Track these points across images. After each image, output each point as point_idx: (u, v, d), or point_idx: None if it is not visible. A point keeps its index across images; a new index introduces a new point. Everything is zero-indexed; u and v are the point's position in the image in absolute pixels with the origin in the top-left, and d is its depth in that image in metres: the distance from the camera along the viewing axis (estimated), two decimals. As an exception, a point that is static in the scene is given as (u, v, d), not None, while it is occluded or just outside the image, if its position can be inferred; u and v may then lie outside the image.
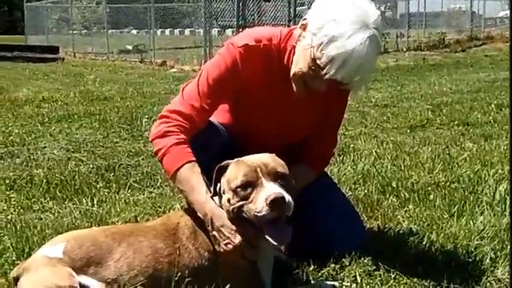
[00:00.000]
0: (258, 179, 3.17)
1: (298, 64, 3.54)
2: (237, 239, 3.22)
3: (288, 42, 3.70)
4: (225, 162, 3.33)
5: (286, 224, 3.18)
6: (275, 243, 3.16)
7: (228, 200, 3.22)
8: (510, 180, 5.40)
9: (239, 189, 3.18)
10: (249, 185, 3.17)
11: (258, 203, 3.09)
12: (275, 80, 3.73)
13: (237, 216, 3.21)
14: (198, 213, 3.38)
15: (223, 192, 3.27)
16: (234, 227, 3.24)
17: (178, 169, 3.43)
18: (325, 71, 3.36)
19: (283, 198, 3.07)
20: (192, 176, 3.43)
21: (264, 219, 3.11)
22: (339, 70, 3.33)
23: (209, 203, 3.35)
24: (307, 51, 3.44)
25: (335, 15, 3.35)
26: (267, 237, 3.15)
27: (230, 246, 3.24)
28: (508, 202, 4.80)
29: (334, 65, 3.32)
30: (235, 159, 3.34)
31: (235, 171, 3.24)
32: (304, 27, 3.50)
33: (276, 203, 3.06)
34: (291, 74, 3.60)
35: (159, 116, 3.68)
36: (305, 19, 3.52)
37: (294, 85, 3.61)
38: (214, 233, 3.29)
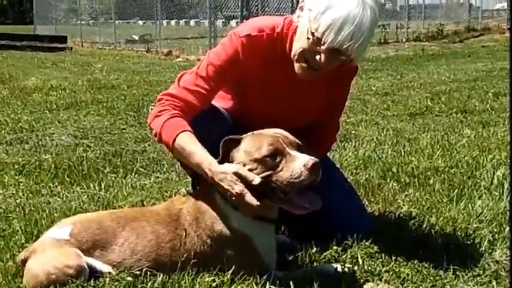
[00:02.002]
0: (284, 149, 3.19)
1: (299, 42, 3.52)
2: (238, 187, 3.18)
3: (289, 28, 3.67)
4: (235, 136, 3.33)
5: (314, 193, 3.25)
6: (309, 206, 3.22)
7: (250, 171, 3.20)
8: (510, 166, 5.40)
9: (267, 159, 3.18)
10: (278, 153, 3.18)
11: (295, 169, 3.11)
12: (278, 68, 3.70)
13: (263, 186, 3.19)
14: (203, 174, 3.33)
15: (243, 165, 3.24)
16: (234, 177, 3.20)
17: (174, 139, 3.38)
18: (323, 39, 3.34)
19: (319, 162, 3.12)
20: (187, 143, 3.38)
21: (300, 185, 3.14)
22: (337, 36, 3.30)
23: (206, 161, 3.31)
24: (306, 28, 3.42)
25: None
26: (299, 203, 3.21)
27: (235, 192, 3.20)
28: (505, 186, 4.79)
29: (332, 31, 3.30)
30: (249, 133, 3.35)
31: (257, 142, 3.25)
32: (302, 9, 3.50)
33: (315, 167, 3.10)
34: (292, 54, 3.57)
35: (156, 100, 3.64)
36: (303, 1, 3.51)
37: (296, 67, 3.58)
38: (223, 184, 3.24)
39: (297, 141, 3.31)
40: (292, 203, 3.22)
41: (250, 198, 3.17)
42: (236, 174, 3.19)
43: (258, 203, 3.17)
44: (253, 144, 3.25)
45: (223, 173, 3.22)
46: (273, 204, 3.33)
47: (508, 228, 3.97)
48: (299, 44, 3.51)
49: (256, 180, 3.16)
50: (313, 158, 3.15)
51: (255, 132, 3.35)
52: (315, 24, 3.35)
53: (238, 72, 3.69)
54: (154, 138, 3.56)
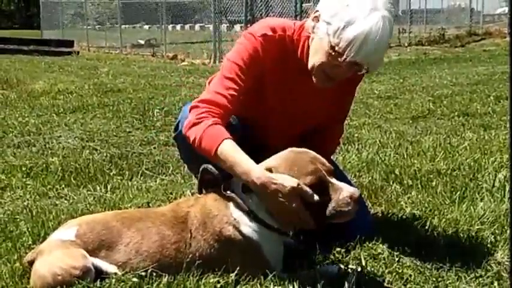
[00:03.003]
0: (326, 177, 3.21)
1: (316, 55, 3.50)
2: (296, 203, 3.17)
3: (301, 33, 3.66)
4: (266, 164, 3.27)
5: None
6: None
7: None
8: (510, 169, 5.38)
9: (311, 187, 3.15)
10: (322, 182, 3.19)
11: (343, 200, 3.15)
12: (289, 71, 3.71)
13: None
14: (249, 184, 3.26)
15: None
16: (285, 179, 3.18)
17: (217, 148, 3.32)
18: (345, 54, 3.33)
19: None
20: (229, 151, 3.32)
21: (347, 214, 3.17)
22: (359, 51, 3.30)
23: (257, 169, 3.25)
24: (324, 40, 3.40)
25: (346, 1, 3.33)
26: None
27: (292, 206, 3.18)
28: (507, 188, 4.77)
29: (354, 47, 3.30)
30: (278, 156, 3.33)
31: (297, 167, 3.21)
32: (317, 19, 3.47)
33: (359, 198, 3.18)
34: (310, 66, 3.55)
35: (189, 108, 3.58)
36: (317, 11, 3.48)
37: (314, 77, 3.57)
38: (274, 186, 3.18)
39: (332, 167, 3.31)
40: (323, 225, 3.23)
41: (307, 216, 3.19)
42: (295, 189, 3.15)
43: (314, 222, 3.21)
44: (292, 174, 3.19)
45: (279, 184, 3.17)
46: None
47: (509, 229, 3.96)
48: (317, 57, 3.49)
49: (315, 198, 3.16)
50: (355, 189, 3.20)
51: (285, 156, 3.32)
52: (336, 39, 3.34)
53: (259, 70, 3.67)
54: (194, 146, 3.45)
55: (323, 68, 3.50)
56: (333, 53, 3.39)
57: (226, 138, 3.35)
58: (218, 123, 3.43)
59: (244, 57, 3.63)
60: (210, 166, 3.46)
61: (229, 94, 3.56)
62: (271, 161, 3.31)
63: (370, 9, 3.30)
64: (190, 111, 3.55)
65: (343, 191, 3.15)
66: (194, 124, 3.45)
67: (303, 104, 3.82)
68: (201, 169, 3.50)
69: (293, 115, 3.83)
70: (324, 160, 3.30)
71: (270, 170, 3.22)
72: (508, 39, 27.35)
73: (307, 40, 3.60)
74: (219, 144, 3.32)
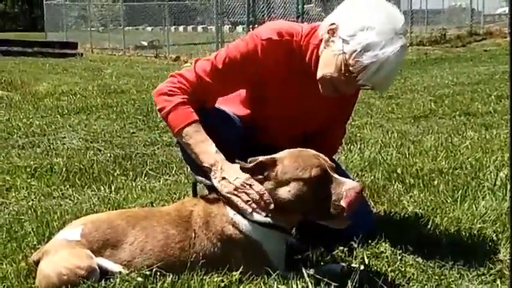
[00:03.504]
0: (329, 172, 3.21)
1: (327, 68, 3.47)
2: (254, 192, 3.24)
3: (310, 40, 3.63)
4: (267, 157, 3.30)
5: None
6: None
7: (298, 190, 3.19)
8: (510, 168, 5.38)
9: (314, 181, 3.17)
10: (326, 176, 3.19)
11: (346, 194, 3.13)
12: (295, 75, 3.69)
13: (303, 205, 3.22)
14: (204, 163, 3.39)
15: (287, 185, 3.22)
16: (249, 181, 3.26)
17: (184, 127, 3.44)
18: (358, 78, 3.33)
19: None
20: (199, 132, 3.45)
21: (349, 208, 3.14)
22: (372, 77, 3.31)
23: (219, 154, 3.40)
24: (338, 57, 3.38)
25: (366, 23, 3.29)
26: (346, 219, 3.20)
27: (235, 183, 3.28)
28: (508, 187, 4.77)
29: (368, 73, 3.29)
30: (282, 153, 3.33)
31: (301, 162, 3.22)
32: (333, 32, 3.42)
33: (362, 192, 3.18)
34: (319, 76, 3.53)
35: (168, 76, 3.68)
36: (333, 23, 3.43)
37: (320, 86, 3.55)
38: (224, 174, 3.32)
39: (333, 164, 3.32)
40: (335, 220, 3.22)
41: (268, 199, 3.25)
42: (245, 183, 3.26)
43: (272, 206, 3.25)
44: (297, 165, 3.22)
45: (228, 174, 3.30)
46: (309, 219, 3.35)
47: (510, 228, 3.96)
48: (328, 70, 3.47)
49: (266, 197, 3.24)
50: (358, 183, 3.22)
51: (289, 151, 3.34)
52: (351, 60, 3.32)
53: (252, 71, 3.66)
54: (160, 113, 3.60)
55: (332, 81, 3.48)
56: (346, 72, 3.38)
57: (195, 120, 3.47)
58: (188, 103, 3.52)
59: (240, 55, 3.63)
60: (201, 178, 3.57)
61: (209, 83, 3.61)
62: (276, 154, 3.33)
63: (389, 37, 3.28)
64: (168, 79, 3.65)
65: (345, 185, 3.15)
66: (166, 94, 3.55)
67: (304, 105, 3.81)
68: (192, 182, 3.67)
69: (294, 116, 3.82)
70: (324, 157, 3.31)
71: (274, 160, 3.26)
72: (508, 39, 27.35)
73: (316, 48, 3.59)
74: (189, 123, 3.46)
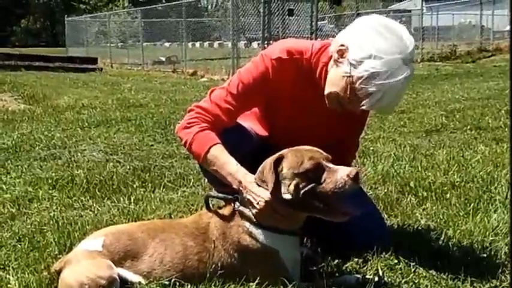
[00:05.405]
0: (323, 162, 3.21)
1: (334, 86, 3.46)
2: (261, 203, 3.27)
3: (320, 57, 3.62)
4: (278, 154, 3.32)
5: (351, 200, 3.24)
6: (353, 212, 3.23)
7: (297, 185, 3.20)
8: (510, 171, 5.38)
9: (310, 173, 3.18)
10: (319, 167, 3.19)
11: (339, 179, 3.13)
12: (305, 91, 3.69)
13: (302, 198, 3.21)
14: (233, 185, 3.40)
15: (286, 181, 3.24)
16: (260, 192, 3.29)
17: (206, 152, 3.46)
18: (362, 103, 3.32)
19: (360, 171, 3.20)
20: (220, 154, 3.46)
21: (344, 194, 3.14)
22: (376, 103, 3.30)
23: (240, 171, 3.40)
24: (345, 79, 3.36)
25: (375, 51, 3.25)
26: (344, 209, 3.21)
27: (259, 206, 3.28)
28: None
29: (372, 99, 3.28)
30: (286, 150, 3.34)
31: (299, 157, 3.24)
32: (342, 53, 3.39)
33: (358, 176, 3.14)
34: (326, 92, 3.53)
35: (187, 111, 3.71)
36: (343, 45, 3.40)
37: (327, 101, 3.55)
38: (248, 196, 3.33)
39: (329, 156, 3.30)
40: (333, 212, 3.22)
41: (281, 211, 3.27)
42: (267, 203, 3.28)
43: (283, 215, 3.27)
44: (296, 160, 3.23)
45: (254, 193, 3.31)
46: (311, 214, 3.33)
47: (509, 235, 3.93)
48: (334, 88, 3.46)
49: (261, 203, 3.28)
50: (353, 168, 3.19)
51: (292, 148, 3.34)
52: (357, 85, 3.30)
53: (266, 92, 3.68)
54: (185, 148, 3.62)
55: (338, 99, 3.47)
56: (351, 95, 3.37)
57: (215, 144, 3.49)
58: (208, 129, 3.55)
59: (252, 78, 3.66)
60: (212, 193, 3.67)
61: (226, 108, 3.63)
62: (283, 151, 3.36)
63: (397, 65, 3.25)
64: (187, 113, 3.68)
65: (339, 172, 3.15)
66: (185, 127, 3.59)
67: (315, 119, 3.79)
68: (204, 197, 3.67)
69: (305, 129, 3.80)
70: (321, 150, 3.32)
71: (281, 157, 3.29)
72: (508, 38, 27.28)
73: (325, 66, 3.58)
74: (210, 147, 3.47)
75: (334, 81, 3.47)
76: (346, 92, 3.39)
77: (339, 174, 3.14)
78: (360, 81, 3.28)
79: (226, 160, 3.44)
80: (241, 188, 3.37)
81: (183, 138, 3.58)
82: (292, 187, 3.21)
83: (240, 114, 3.76)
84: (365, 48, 3.29)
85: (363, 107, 3.34)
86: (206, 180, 4.52)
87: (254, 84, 3.64)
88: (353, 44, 3.36)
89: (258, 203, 3.28)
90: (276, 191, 3.23)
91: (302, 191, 3.19)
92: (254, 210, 3.31)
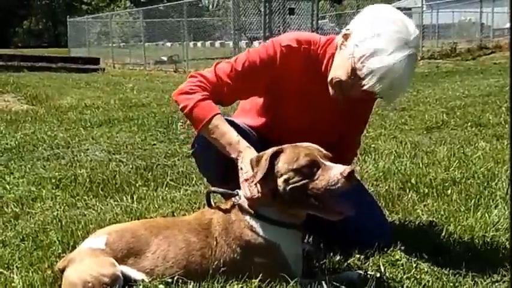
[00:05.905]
0: (319, 160, 3.21)
1: (337, 71, 3.50)
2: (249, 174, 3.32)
3: (326, 49, 3.66)
4: (278, 147, 3.32)
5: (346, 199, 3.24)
6: (345, 212, 3.23)
7: (287, 180, 3.21)
8: (510, 171, 5.38)
9: (304, 169, 3.19)
10: (314, 164, 3.19)
11: (332, 177, 3.13)
12: (311, 82, 3.70)
13: (295, 194, 3.21)
14: (232, 155, 3.45)
15: (279, 175, 3.25)
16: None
17: (209, 120, 3.49)
18: (364, 82, 3.31)
19: (354, 170, 3.17)
20: (222, 123, 3.51)
21: (336, 192, 3.14)
22: (377, 83, 3.28)
23: (242, 143, 3.46)
24: (348, 60, 3.38)
25: (379, 30, 3.29)
26: (336, 209, 3.23)
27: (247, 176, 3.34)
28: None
29: (374, 78, 3.27)
30: (288, 145, 3.34)
31: (296, 153, 3.24)
32: (346, 37, 3.46)
33: (351, 175, 3.12)
34: (329, 78, 3.55)
35: (188, 76, 3.73)
36: (348, 29, 3.46)
37: (330, 88, 3.57)
38: (242, 165, 3.40)
39: (329, 154, 3.30)
40: (327, 210, 3.23)
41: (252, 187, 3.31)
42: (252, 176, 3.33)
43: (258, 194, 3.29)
44: (292, 156, 3.24)
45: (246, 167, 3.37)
46: (306, 211, 3.35)
47: (510, 232, 3.94)
48: (337, 73, 3.50)
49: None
50: (348, 166, 3.18)
51: (292, 144, 3.34)
52: (359, 64, 3.32)
53: (271, 75, 3.69)
54: (180, 111, 3.63)
55: (341, 84, 3.49)
56: (353, 76, 3.38)
57: (217, 113, 3.53)
58: (209, 98, 3.57)
59: (260, 58, 3.68)
60: (213, 189, 3.66)
61: (228, 83, 3.65)
62: (283, 146, 3.37)
63: (399, 45, 3.27)
64: (188, 79, 3.70)
65: (333, 169, 3.16)
66: (186, 92, 3.60)
67: (318, 113, 3.80)
68: (205, 193, 3.68)
69: (308, 124, 3.80)
70: (320, 148, 3.32)
71: (280, 150, 3.29)
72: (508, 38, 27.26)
73: (332, 57, 3.60)
74: (211, 117, 3.50)
75: (337, 66, 3.52)
76: (349, 75, 3.41)
77: (332, 172, 3.14)
78: (362, 59, 3.31)
79: (227, 130, 3.49)
80: (238, 158, 3.41)
81: (182, 103, 3.58)
82: (281, 180, 3.22)
83: (239, 94, 3.80)
84: (370, 28, 3.35)
85: (364, 87, 3.33)
86: (206, 180, 4.53)
87: (260, 65, 3.67)
88: (358, 27, 3.43)
89: (246, 173, 3.33)
90: (265, 180, 3.25)
91: (290, 186, 3.20)
92: (240, 179, 3.37)
